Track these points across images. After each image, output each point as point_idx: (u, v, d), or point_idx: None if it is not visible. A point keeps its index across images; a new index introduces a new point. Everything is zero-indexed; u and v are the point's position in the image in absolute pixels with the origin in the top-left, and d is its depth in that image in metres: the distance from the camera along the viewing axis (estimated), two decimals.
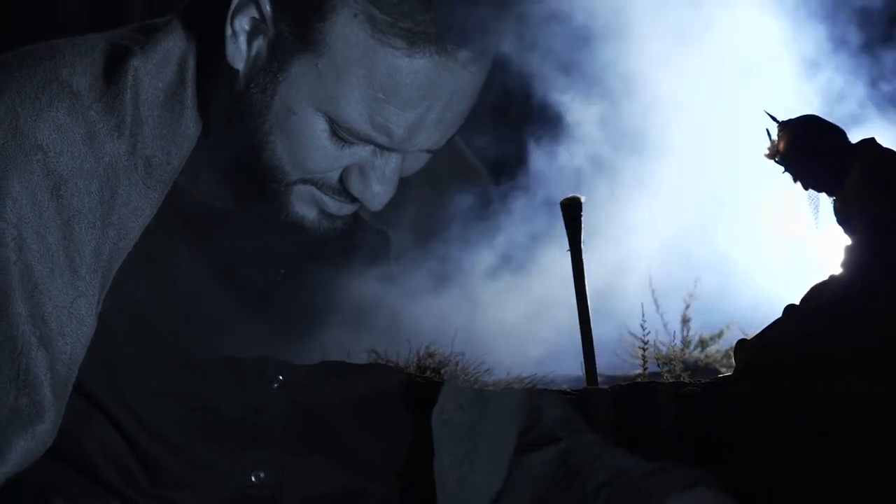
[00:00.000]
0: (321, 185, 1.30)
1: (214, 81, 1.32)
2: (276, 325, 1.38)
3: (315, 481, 1.38)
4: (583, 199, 1.52)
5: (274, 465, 1.35)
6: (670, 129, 1.54)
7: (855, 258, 1.51)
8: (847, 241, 1.52)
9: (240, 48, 1.25)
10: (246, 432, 1.35)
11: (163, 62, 1.31)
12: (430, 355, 1.41)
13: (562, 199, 1.47)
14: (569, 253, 1.46)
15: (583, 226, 1.52)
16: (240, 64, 1.26)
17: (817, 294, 1.51)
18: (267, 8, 1.23)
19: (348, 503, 1.41)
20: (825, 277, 1.52)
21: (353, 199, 1.32)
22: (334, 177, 1.30)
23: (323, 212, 1.33)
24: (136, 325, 1.32)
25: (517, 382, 1.43)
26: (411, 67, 1.21)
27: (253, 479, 1.34)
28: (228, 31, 1.25)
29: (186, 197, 1.35)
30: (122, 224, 1.27)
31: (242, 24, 1.25)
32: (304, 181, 1.30)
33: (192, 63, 1.32)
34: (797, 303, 1.52)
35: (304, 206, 1.32)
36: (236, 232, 1.37)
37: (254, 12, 1.24)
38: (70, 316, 1.25)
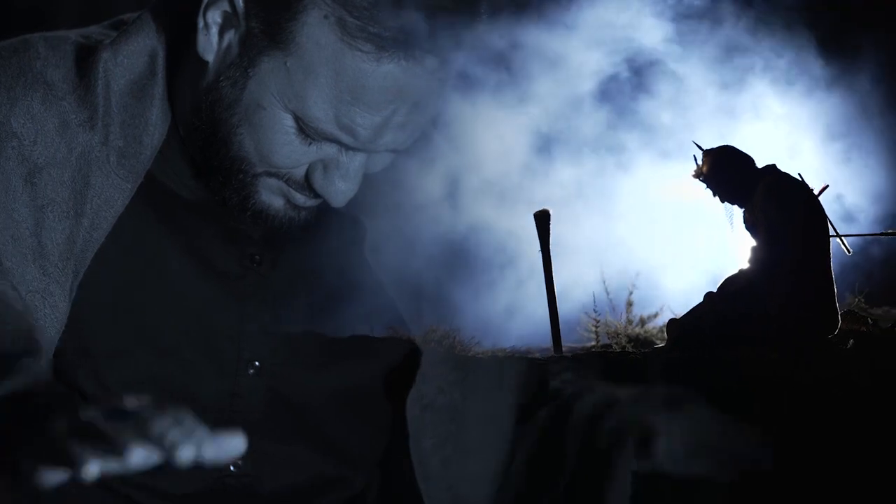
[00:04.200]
0: (287, 179, 1.23)
1: (184, 73, 1.25)
2: (252, 311, 1.31)
3: (293, 469, 1.32)
4: (551, 212, 1.59)
5: (252, 453, 1.25)
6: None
7: (759, 256, 1.67)
8: (753, 242, 1.68)
9: (211, 41, 1.19)
10: (223, 419, 1.28)
11: (133, 54, 1.23)
12: (434, 330, 1.41)
13: (534, 211, 1.54)
14: (540, 253, 1.54)
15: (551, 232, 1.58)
16: (210, 56, 1.19)
17: (730, 284, 1.69)
18: (239, 2, 1.17)
19: (325, 491, 1.34)
20: (736, 271, 1.69)
21: (318, 194, 1.27)
22: (300, 172, 1.23)
23: (289, 202, 1.27)
24: (113, 313, 1.25)
25: (500, 352, 1.47)
26: (379, 72, 1.14)
27: (232, 468, 1.28)
28: (200, 24, 1.19)
29: (160, 186, 1.28)
30: (95, 214, 1.20)
31: (214, 16, 1.19)
32: (270, 174, 1.24)
33: (162, 55, 1.25)
34: (715, 290, 1.69)
35: (271, 196, 1.25)
36: (210, 219, 1.30)
37: (226, 6, 1.18)
38: (44, 301, 1.18)
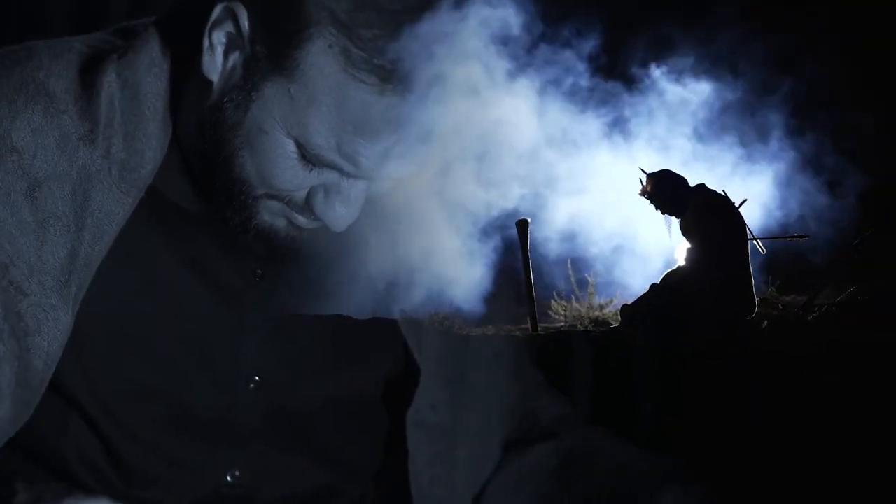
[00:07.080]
0: (288, 202, 1.19)
1: (188, 90, 1.20)
2: (253, 324, 1.26)
3: (290, 479, 1.27)
4: (529, 221, 1.88)
5: (249, 464, 1.23)
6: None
7: (692, 256, 1.94)
8: (688, 245, 1.94)
9: (215, 61, 1.14)
10: (221, 431, 1.24)
11: (138, 69, 1.19)
12: (436, 314, 1.34)
13: (516, 220, 1.80)
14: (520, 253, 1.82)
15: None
16: (214, 77, 1.14)
17: (669, 277, 1.95)
18: (245, 24, 1.11)
19: (323, 501, 1.29)
20: (675, 267, 1.95)
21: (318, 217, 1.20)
22: (301, 195, 1.18)
23: (292, 223, 1.21)
24: (114, 325, 1.20)
25: (488, 330, 1.53)
26: (381, 103, 1.10)
27: (229, 478, 1.23)
28: (206, 44, 1.13)
29: (162, 198, 1.23)
30: (97, 228, 1.16)
31: (219, 37, 1.13)
32: (271, 196, 1.18)
33: (167, 71, 1.20)
34: (658, 282, 1.95)
35: (273, 217, 1.21)
36: (212, 231, 1.25)
37: (230, 27, 1.13)
38: (46, 315, 1.13)
